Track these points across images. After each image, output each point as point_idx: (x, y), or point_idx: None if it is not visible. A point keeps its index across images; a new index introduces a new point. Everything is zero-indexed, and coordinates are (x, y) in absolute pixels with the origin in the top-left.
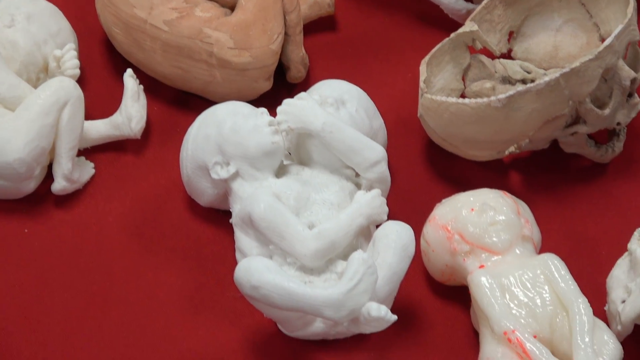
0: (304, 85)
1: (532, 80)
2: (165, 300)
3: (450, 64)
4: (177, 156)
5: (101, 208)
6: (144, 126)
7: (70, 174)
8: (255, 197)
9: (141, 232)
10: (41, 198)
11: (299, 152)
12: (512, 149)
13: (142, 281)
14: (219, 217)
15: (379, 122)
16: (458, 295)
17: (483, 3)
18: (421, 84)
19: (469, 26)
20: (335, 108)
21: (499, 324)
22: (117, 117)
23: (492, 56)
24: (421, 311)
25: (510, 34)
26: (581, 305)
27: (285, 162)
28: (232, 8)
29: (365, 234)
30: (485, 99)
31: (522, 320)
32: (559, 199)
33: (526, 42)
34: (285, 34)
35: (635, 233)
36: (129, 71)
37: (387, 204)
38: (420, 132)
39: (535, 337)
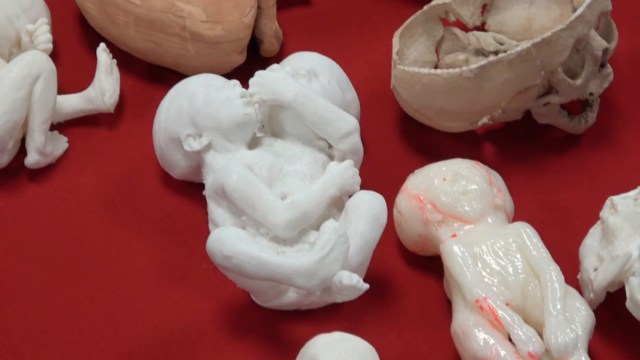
0: (278, 59)
1: (505, 52)
2: (139, 271)
3: (424, 36)
4: (151, 130)
5: (75, 182)
6: (117, 100)
7: (44, 147)
8: (228, 168)
9: (115, 205)
10: (14, 172)
11: (271, 124)
12: (485, 120)
13: (116, 253)
14: (192, 190)
15: (351, 93)
16: (431, 264)
17: None
18: (394, 56)
19: None
20: (307, 80)
21: (471, 292)
22: (90, 91)
23: (465, 29)
24: (394, 281)
25: (484, 6)
26: (553, 273)
27: (258, 135)
28: None
29: (338, 204)
30: (457, 69)
31: (494, 288)
32: (533, 169)
33: (500, 15)
34: (258, 7)
35: (607, 201)
36: (102, 45)
37: (360, 175)
38: (394, 104)
39: (507, 304)
